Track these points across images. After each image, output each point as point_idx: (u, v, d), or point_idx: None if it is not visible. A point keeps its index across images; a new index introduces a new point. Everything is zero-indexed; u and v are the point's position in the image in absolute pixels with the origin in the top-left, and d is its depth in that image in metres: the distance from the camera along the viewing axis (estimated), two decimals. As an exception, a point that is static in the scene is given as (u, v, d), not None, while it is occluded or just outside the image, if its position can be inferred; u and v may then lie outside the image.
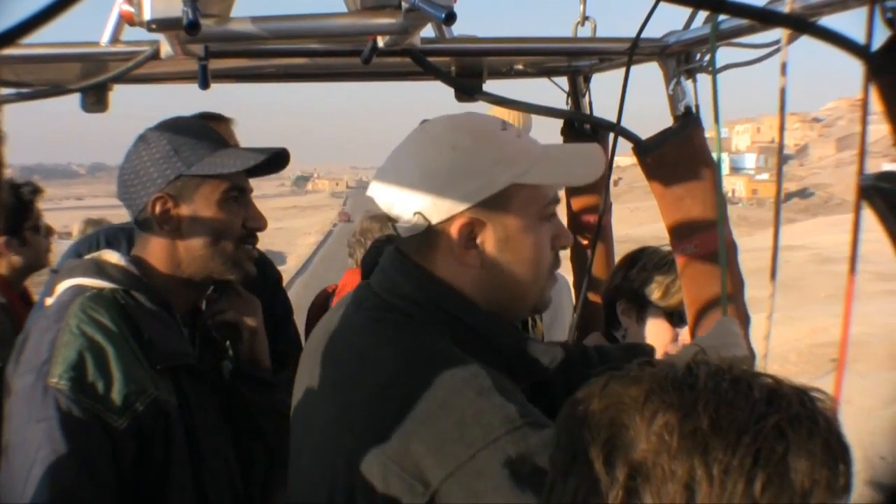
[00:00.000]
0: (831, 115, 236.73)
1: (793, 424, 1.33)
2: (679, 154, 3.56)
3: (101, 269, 2.74)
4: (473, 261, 2.30)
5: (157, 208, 2.75)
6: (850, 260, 2.51)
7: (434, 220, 2.27)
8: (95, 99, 3.91)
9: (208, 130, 2.89)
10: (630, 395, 1.40)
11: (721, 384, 1.37)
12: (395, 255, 2.42)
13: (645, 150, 3.62)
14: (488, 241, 2.29)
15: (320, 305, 5.68)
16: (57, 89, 3.77)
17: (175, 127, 2.86)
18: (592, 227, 4.33)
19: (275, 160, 2.91)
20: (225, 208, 2.81)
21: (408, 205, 2.29)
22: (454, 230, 2.27)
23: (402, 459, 2.03)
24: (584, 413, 1.45)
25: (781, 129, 2.84)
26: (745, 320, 3.62)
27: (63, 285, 2.74)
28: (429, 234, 2.31)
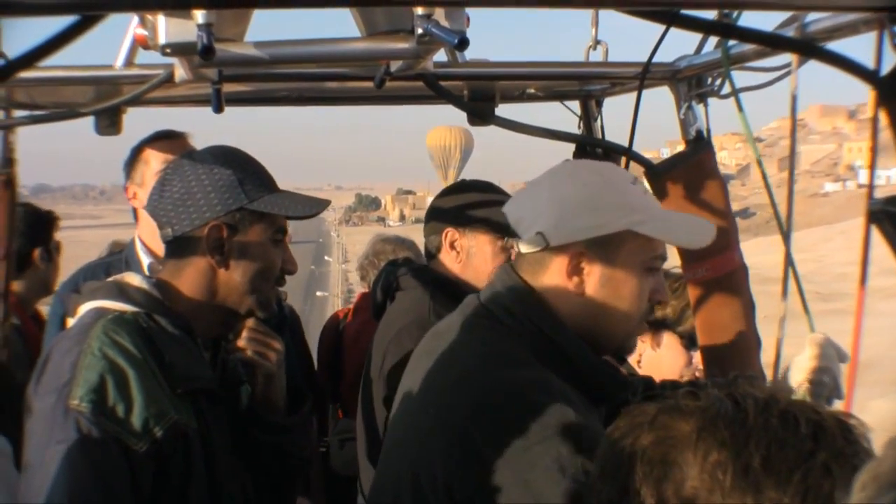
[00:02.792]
0: (773, 135, 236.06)
1: (839, 461, 1.34)
2: (690, 177, 3.57)
3: (123, 292, 2.73)
4: (576, 288, 2.52)
5: (213, 234, 2.73)
6: (861, 278, 2.53)
7: (552, 243, 2.50)
8: (109, 122, 3.95)
9: (264, 169, 2.89)
10: (681, 431, 1.41)
11: (770, 420, 1.38)
12: (505, 269, 2.68)
13: (656, 175, 3.63)
14: (594, 274, 2.51)
15: (332, 329, 5.68)
16: (71, 112, 3.79)
17: (238, 158, 2.84)
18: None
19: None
20: (271, 247, 2.82)
21: (533, 224, 2.55)
22: (567, 256, 2.51)
23: (465, 441, 2.28)
24: (633, 446, 1.46)
25: (792, 152, 2.86)
26: (756, 342, 3.62)
27: (85, 307, 2.73)
28: (543, 255, 2.54)
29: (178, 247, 2.79)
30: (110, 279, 2.83)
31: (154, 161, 3.96)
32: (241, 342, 2.91)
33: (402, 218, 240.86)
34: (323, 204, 2.90)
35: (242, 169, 2.79)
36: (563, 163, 2.78)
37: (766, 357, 3.55)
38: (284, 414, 3.04)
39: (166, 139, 4.02)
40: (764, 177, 3.32)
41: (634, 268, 2.52)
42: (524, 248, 2.57)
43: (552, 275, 2.54)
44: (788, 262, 2.80)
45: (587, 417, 2.34)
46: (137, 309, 2.69)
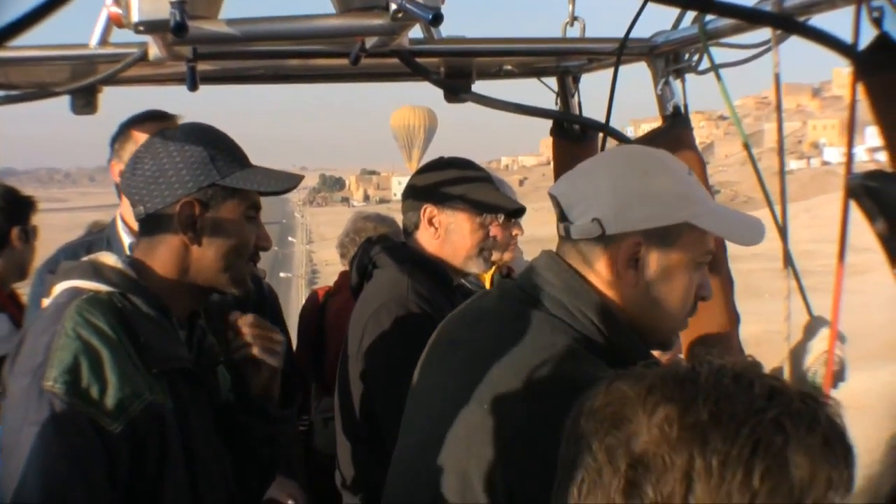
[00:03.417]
0: (737, 113, 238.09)
1: (792, 419, 1.34)
2: (668, 154, 3.56)
3: (97, 272, 2.71)
4: (630, 279, 2.42)
5: (185, 211, 2.71)
6: (839, 254, 2.53)
7: (609, 231, 2.39)
8: (85, 101, 3.91)
9: (237, 146, 2.86)
10: (633, 391, 1.43)
11: (722, 380, 1.39)
12: (551, 257, 2.55)
13: (633, 151, 3.63)
14: (650, 266, 2.42)
15: (313, 308, 5.67)
16: (46, 91, 3.76)
17: (210, 134, 2.81)
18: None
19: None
20: (245, 223, 2.81)
21: (588, 210, 2.43)
22: (624, 245, 2.39)
23: (527, 441, 2.21)
24: (590, 408, 1.48)
25: (780, 129, 2.85)
26: (735, 319, 3.63)
27: (60, 287, 2.72)
28: (598, 242, 2.43)
29: (151, 225, 2.77)
30: (85, 259, 2.82)
31: (141, 139, 3.94)
32: (246, 338, 2.91)
33: (367, 198, 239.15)
34: (296, 179, 2.88)
35: (214, 145, 2.76)
36: (618, 147, 2.74)
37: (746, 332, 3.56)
38: (278, 405, 3.04)
39: (159, 120, 3.98)
40: (751, 157, 3.31)
41: (688, 262, 2.45)
42: (576, 235, 2.46)
43: (606, 265, 2.44)
44: (784, 237, 2.79)
45: None
46: (112, 289, 2.67)
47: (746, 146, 3.21)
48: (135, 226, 3.97)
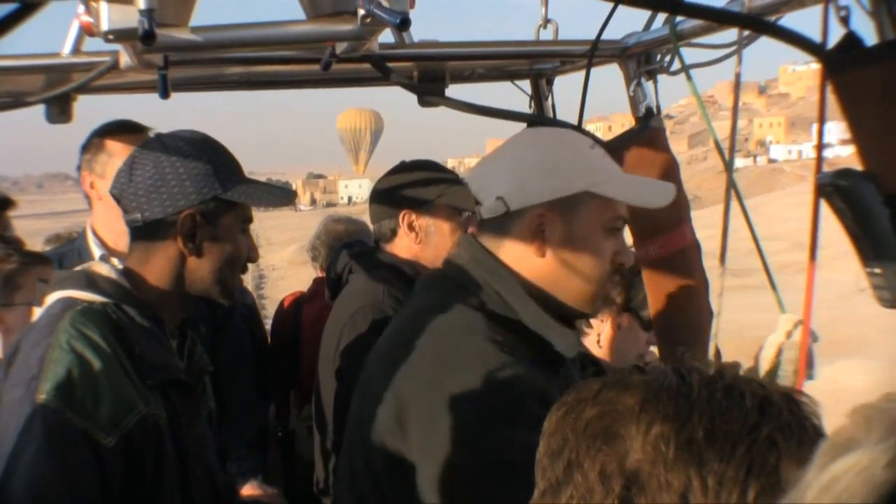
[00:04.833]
0: (683, 112, 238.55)
1: (784, 433, 1.34)
2: (641, 155, 3.58)
3: (92, 282, 2.70)
4: (537, 251, 2.55)
5: (187, 223, 2.71)
6: (811, 250, 2.54)
7: (512, 207, 2.53)
8: (60, 110, 3.90)
9: (234, 158, 2.89)
10: (624, 404, 1.40)
11: (715, 394, 1.38)
12: (466, 238, 2.76)
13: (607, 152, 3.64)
14: (555, 236, 2.54)
15: (289, 313, 5.65)
16: (19, 101, 3.75)
17: (211, 146, 2.83)
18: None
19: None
20: (239, 237, 2.83)
21: (493, 190, 2.57)
22: (527, 219, 2.54)
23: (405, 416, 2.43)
24: (577, 420, 1.45)
25: (734, 127, 2.87)
26: (709, 316, 3.64)
27: (53, 297, 2.71)
28: (504, 219, 2.57)
29: (148, 233, 2.76)
30: (79, 268, 2.82)
31: (119, 155, 3.92)
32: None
33: (314, 202, 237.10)
34: (291, 195, 2.98)
35: (216, 157, 2.79)
36: (523, 131, 2.87)
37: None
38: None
39: (134, 132, 3.96)
40: (724, 159, 3.32)
41: (595, 229, 2.55)
42: (486, 214, 2.60)
43: (513, 239, 2.57)
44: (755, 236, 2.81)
45: (546, 381, 2.43)
46: (106, 299, 2.67)
47: (717, 145, 3.21)
48: (106, 238, 3.99)
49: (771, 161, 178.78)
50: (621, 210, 2.60)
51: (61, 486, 2.41)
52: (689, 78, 3.37)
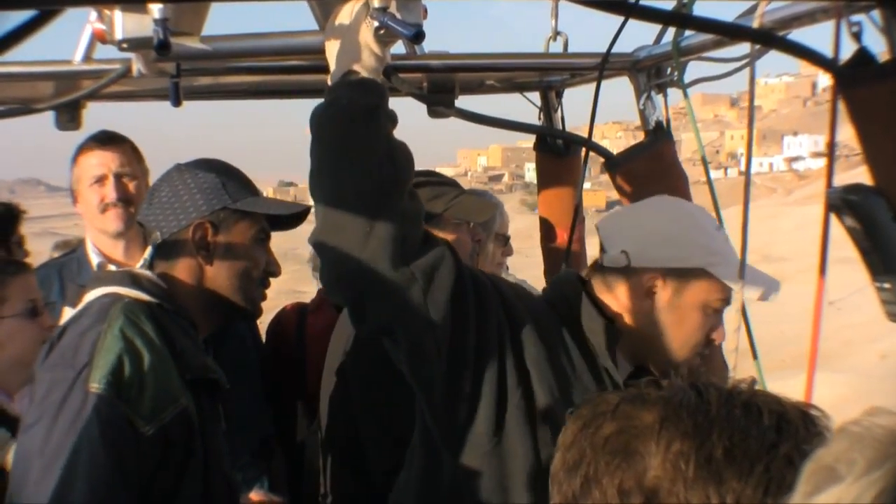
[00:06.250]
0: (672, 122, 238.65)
1: (800, 451, 1.33)
2: (650, 168, 3.58)
3: (136, 281, 2.79)
4: (646, 308, 2.76)
5: (199, 232, 2.82)
6: (820, 267, 2.54)
7: (633, 264, 2.74)
8: (69, 117, 3.90)
9: (246, 176, 3.01)
10: (643, 420, 1.41)
11: (733, 411, 1.39)
12: (573, 274, 2.96)
13: (615, 165, 3.64)
14: (663, 299, 2.75)
15: (292, 323, 5.58)
16: (29, 108, 3.75)
17: (221, 165, 2.97)
18: (565, 238, 4.32)
19: (300, 216, 3.08)
20: (254, 247, 2.92)
21: (619, 243, 2.78)
22: (644, 278, 2.74)
23: None
24: (595, 435, 1.45)
25: (749, 143, 2.87)
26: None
27: (94, 293, 2.77)
28: (624, 272, 2.76)
29: (168, 249, 2.87)
30: (118, 269, 2.90)
31: (83, 163, 4.07)
32: None
33: None
34: (304, 208, 3.07)
35: (226, 174, 2.92)
36: (661, 197, 3.00)
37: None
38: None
39: (110, 142, 4.03)
40: (706, 170, 3.32)
41: (699, 304, 2.75)
42: (607, 263, 2.79)
43: (624, 292, 2.77)
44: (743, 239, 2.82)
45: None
46: (150, 298, 2.75)
47: (704, 161, 3.21)
48: (101, 246, 4.07)
49: (742, 173, 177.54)
50: (727, 293, 2.77)
51: (114, 473, 2.48)
52: (685, 96, 3.39)
